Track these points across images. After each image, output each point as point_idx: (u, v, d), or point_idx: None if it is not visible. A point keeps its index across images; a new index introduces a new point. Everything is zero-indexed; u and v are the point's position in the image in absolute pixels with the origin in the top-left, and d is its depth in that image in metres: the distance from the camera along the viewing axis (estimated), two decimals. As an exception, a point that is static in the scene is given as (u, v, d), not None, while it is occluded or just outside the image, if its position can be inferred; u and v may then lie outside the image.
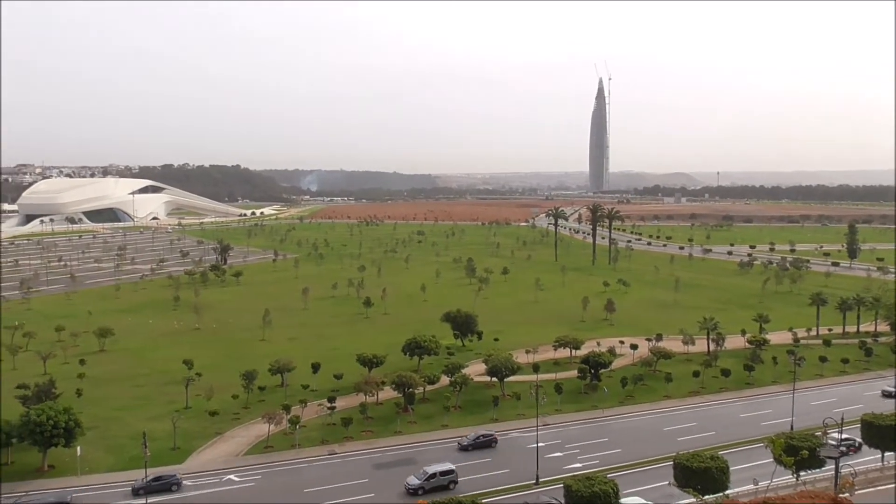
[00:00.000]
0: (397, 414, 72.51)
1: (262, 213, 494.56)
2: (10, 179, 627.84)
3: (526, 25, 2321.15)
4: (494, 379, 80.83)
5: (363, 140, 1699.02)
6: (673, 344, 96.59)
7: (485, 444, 63.54)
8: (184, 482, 57.02)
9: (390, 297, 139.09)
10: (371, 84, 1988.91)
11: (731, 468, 47.23)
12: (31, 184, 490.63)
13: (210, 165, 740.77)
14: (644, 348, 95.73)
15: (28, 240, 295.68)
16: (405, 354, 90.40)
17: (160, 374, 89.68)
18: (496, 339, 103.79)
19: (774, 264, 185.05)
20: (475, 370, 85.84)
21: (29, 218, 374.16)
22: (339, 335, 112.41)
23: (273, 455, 63.30)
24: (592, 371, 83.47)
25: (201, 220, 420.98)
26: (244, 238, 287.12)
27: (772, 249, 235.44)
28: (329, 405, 72.64)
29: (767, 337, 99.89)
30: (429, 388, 79.07)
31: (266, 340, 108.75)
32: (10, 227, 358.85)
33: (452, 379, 78.58)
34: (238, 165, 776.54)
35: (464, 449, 63.00)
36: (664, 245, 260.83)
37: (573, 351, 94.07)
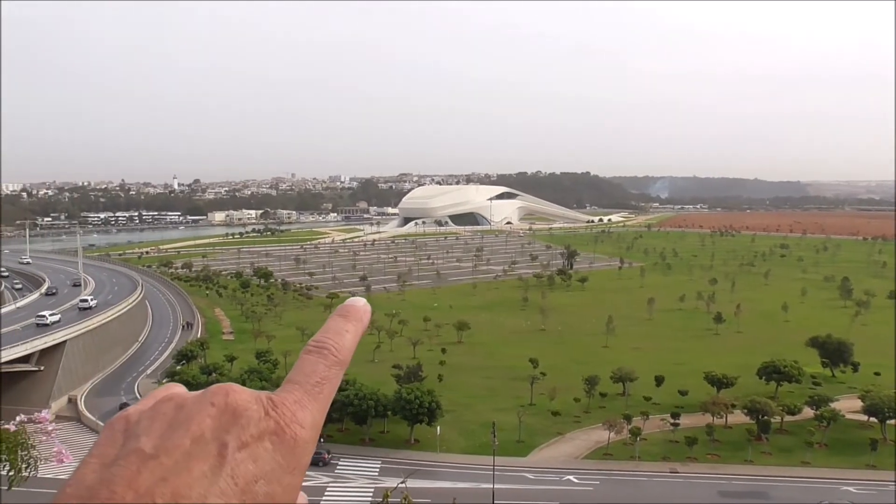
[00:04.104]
0: (749, 441, 66.45)
1: (609, 219, 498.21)
2: (393, 186, 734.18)
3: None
4: (873, 419, 69.17)
5: (719, 144, 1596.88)
6: None
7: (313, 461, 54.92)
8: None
9: (745, 314, 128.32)
10: (721, 85, 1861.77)
11: None
12: (409, 190, 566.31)
13: (560, 173, 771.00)
14: None
15: (405, 239, 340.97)
16: (760, 378, 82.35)
17: (507, 369, 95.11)
18: (877, 374, 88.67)
19: None
20: (847, 406, 74.34)
21: (406, 220, 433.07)
22: (684, 350, 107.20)
23: (611, 463, 62.61)
24: None
25: (550, 226, 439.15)
26: (590, 244, 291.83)
27: None
28: (672, 421, 69.42)
29: None
30: (788, 418, 70.70)
31: (608, 347, 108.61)
32: (392, 228, 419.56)
33: (818, 412, 69.15)
34: (587, 172, 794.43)
35: None
36: None
37: None
